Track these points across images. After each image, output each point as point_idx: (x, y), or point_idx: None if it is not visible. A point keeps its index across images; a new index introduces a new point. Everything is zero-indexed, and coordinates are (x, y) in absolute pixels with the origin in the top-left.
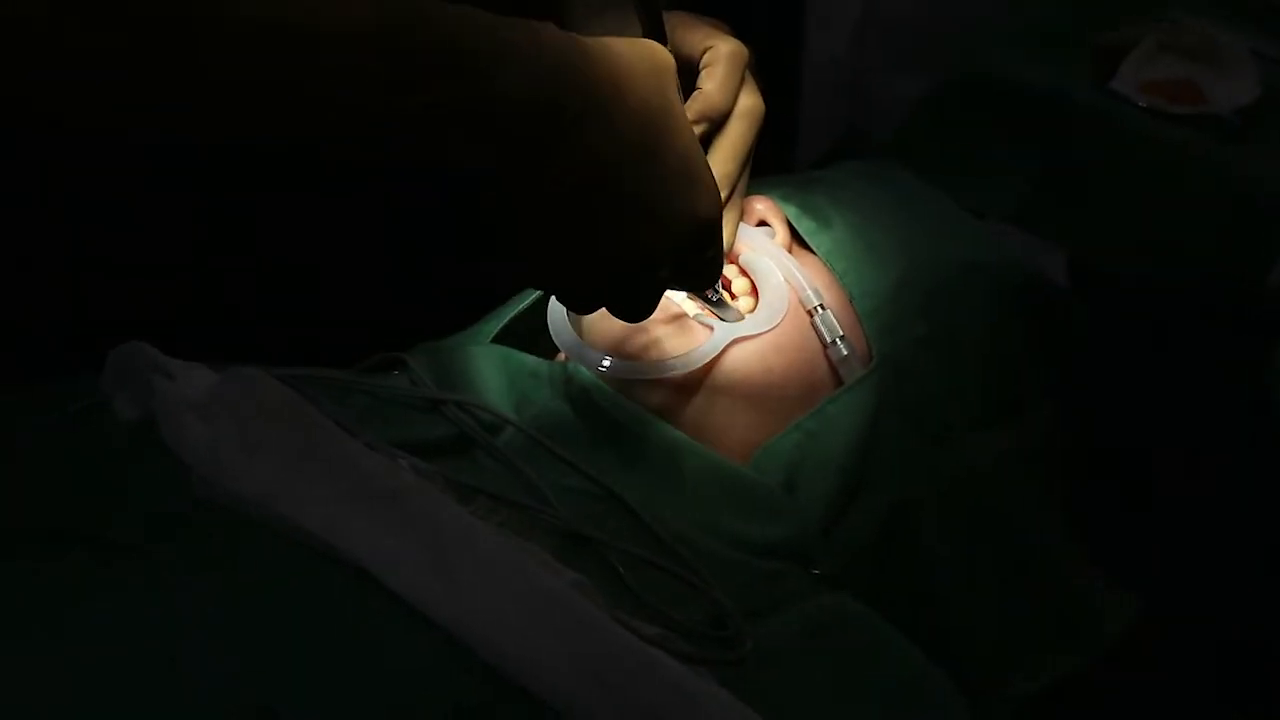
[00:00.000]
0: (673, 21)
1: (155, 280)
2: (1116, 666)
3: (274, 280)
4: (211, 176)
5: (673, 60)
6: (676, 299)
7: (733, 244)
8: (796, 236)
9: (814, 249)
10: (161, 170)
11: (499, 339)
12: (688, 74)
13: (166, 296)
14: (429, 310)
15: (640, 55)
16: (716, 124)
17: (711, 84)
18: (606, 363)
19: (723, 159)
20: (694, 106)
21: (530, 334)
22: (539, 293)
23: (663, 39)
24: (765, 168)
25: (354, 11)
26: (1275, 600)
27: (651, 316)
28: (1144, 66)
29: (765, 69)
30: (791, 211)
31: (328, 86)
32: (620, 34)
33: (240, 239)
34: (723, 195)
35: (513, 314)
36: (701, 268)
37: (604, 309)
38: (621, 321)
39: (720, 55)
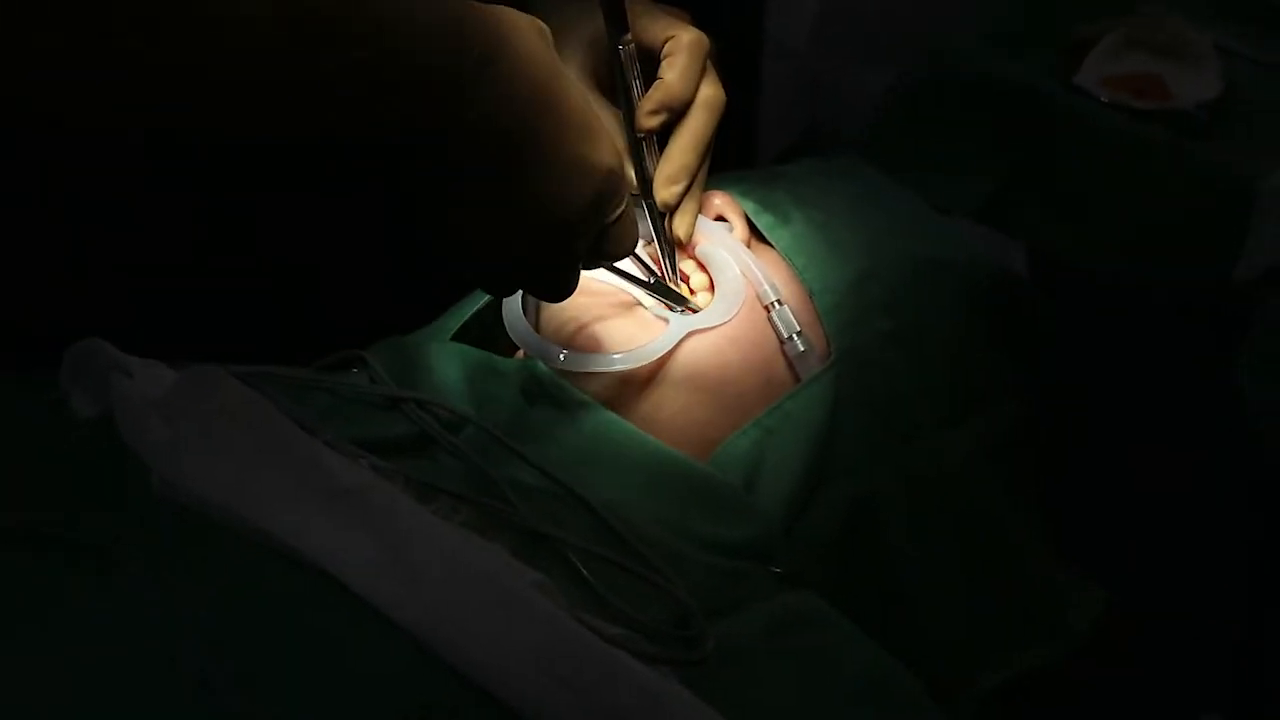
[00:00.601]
0: (635, 10)
1: (148, 279)
2: (1090, 662)
3: (272, 280)
4: (205, 175)
5: (544, 25)
6: (635, 292)
7: (690, 236)
8: (756, 232)
9: (773, 244)
10: (154, 169)
11: (459, 336)
12: (649, 63)
13: (161, 296)
14: (428, 310)
15: (524, 17)
16: (678, 113)
17: (673, 73)
18: (563, 357)
19: (683, 149)
20: (655, 96)
21: (490, 331)
22: None
23: (624, 27)
24: (725, 163)
25: None
26: (1249, 596)
27: (607, 310)
28: (1109, 61)
29: (725, 62)
30: (750, 206)
31: (233, 65)
32: (581, 20)
33: (238, 238)
34: (682, 186)
35: (473, 310)
36: (614, 232)
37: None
38: (576, 313)
39: (682, 45)
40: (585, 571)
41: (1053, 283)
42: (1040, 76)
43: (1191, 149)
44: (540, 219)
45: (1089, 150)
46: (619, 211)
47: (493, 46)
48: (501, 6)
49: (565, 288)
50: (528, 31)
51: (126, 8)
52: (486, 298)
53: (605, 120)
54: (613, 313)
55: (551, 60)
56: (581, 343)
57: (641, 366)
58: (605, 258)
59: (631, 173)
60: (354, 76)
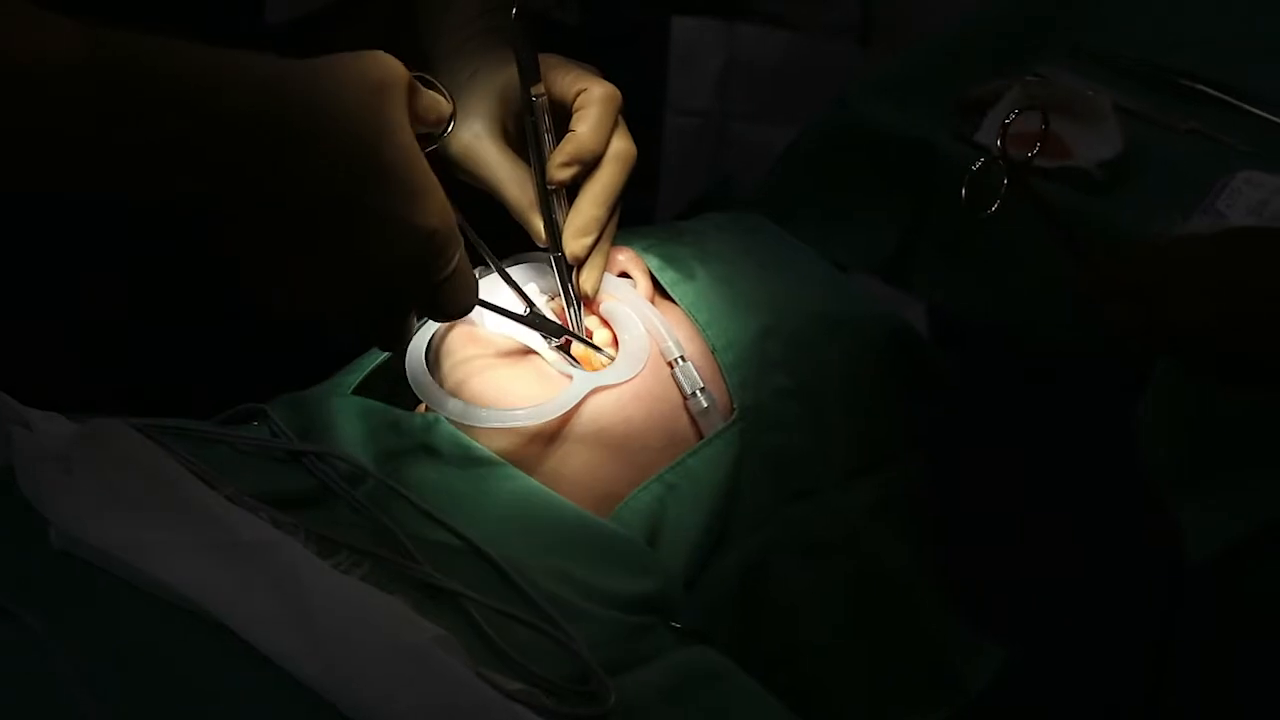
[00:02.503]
0: (547, 63)
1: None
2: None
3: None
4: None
5: (399, 73)
6: (538, 348)
7: (596, 291)
8: (659, 288)
9: (676, 300)
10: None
11: (360, 390)
12: (560, 116)
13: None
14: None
15: (359, 71)
16: (589, 166)
17: (584, 126)
18: (466, 414)
19: (593, 202)
20: (567, 149)
21: (390, 385)
22: None
23: (537, 78)
24: (626, 216)
25: (65, 44)
26: (1149, 658)
27: (511, 365)
28: (1008, 120)
29: (628, 118)
30: (654, 262)
31: (42, 119)
32: (494, 70)
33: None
34: (591, 239)
35: (373, 365)
36: (450, 287)
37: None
38: (480, 371)
39: (594, 98)
40: (486, 626)
41: (952, 340)
42: (939, 134)
43: (1091, 207)
44: (360, 280)
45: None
46: (449, 269)
47: (312, 117)
48: (340, 62)
49: (397, 341)
50: (355, 89)
51: None
52: (387, 353)
53: (511, 171)
54: (513, 366)
55: (377, 120)
56: (483, 397)
57: (546, 422)
58: (441, 315)
59: (540, 225)
60: (157, 144)
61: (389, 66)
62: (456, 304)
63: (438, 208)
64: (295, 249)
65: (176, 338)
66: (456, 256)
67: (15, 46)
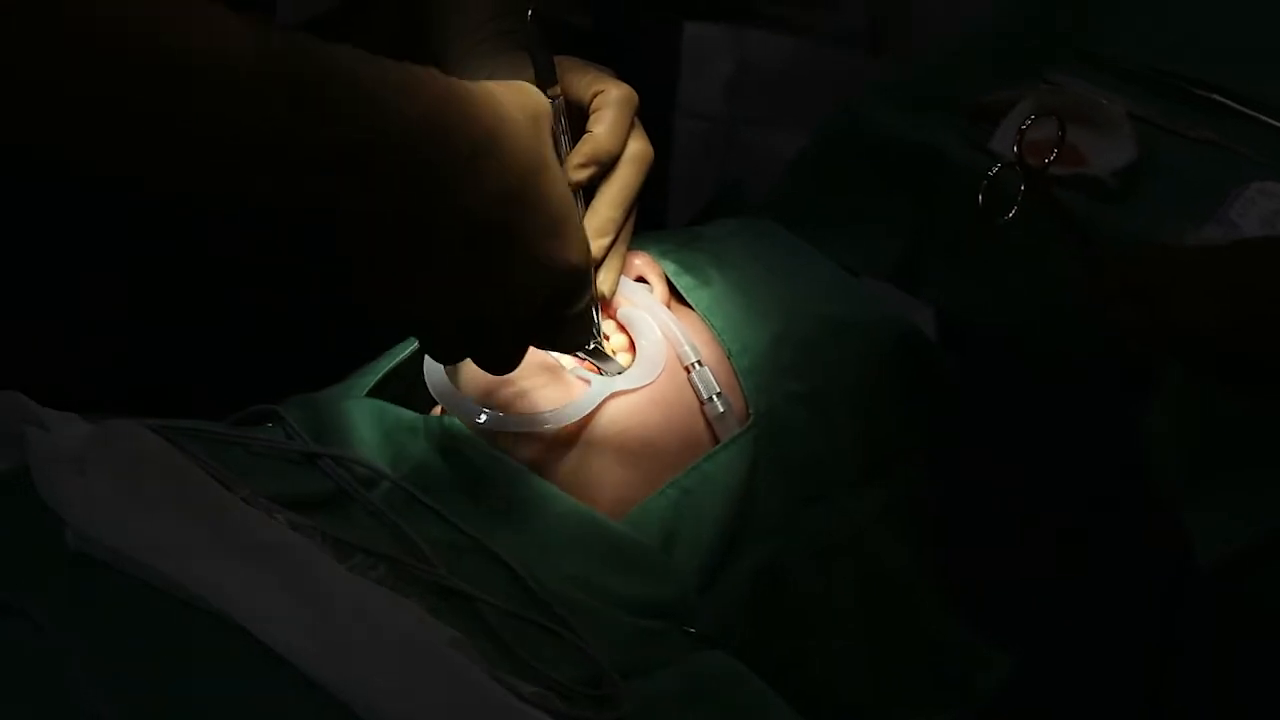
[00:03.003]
0: (563, 65)
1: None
2: None
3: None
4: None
5: (548, 105)
6: (555, 353)
7: (614, 293)
8: (675, 292)
9: (692, 305)
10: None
11: (374, 392)
12: (577, 117)
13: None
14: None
15: (517, 100)
16: (606, 167)
17: (601, 127)
18: (483, 417)
19: (609, 203)
20: (584, 149)
21: (406, 387)
22: (415, 346)
23: (553, 80)
24: (638, 221)
25: (232, 43)
26: (1152, 663)
27: (529, 370)
28: (1024, 125)
29: (639, 121)
30: (670, 268)
31: (201, 122)
32: (510, 73)
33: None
34: (608, 240)
35: (389, 367)
36: (574, 323)
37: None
38: (498, 375)
39: (610, 100)
40: (500, 629)
41: (959, 343)
42: (948, 140)
43: (1105, 215)
44: (495, 303)
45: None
46: (579, 306)
47: (481, 140)
48: (500, 89)
49: (510, 366)
50: (520, 122)
51: (85, 40)
52: (402, 355)
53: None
54: (532, 371)
55: (539, 151)
56: (501, 401)
57: (563, 426)
58: (552, 347)
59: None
60: (332, 153)
61: (540, 97)
62: (575, 341)
63: (582, 245)
64: (438, 264)
65: (176, 338)
66: (587, 295)
67: (194, 44)
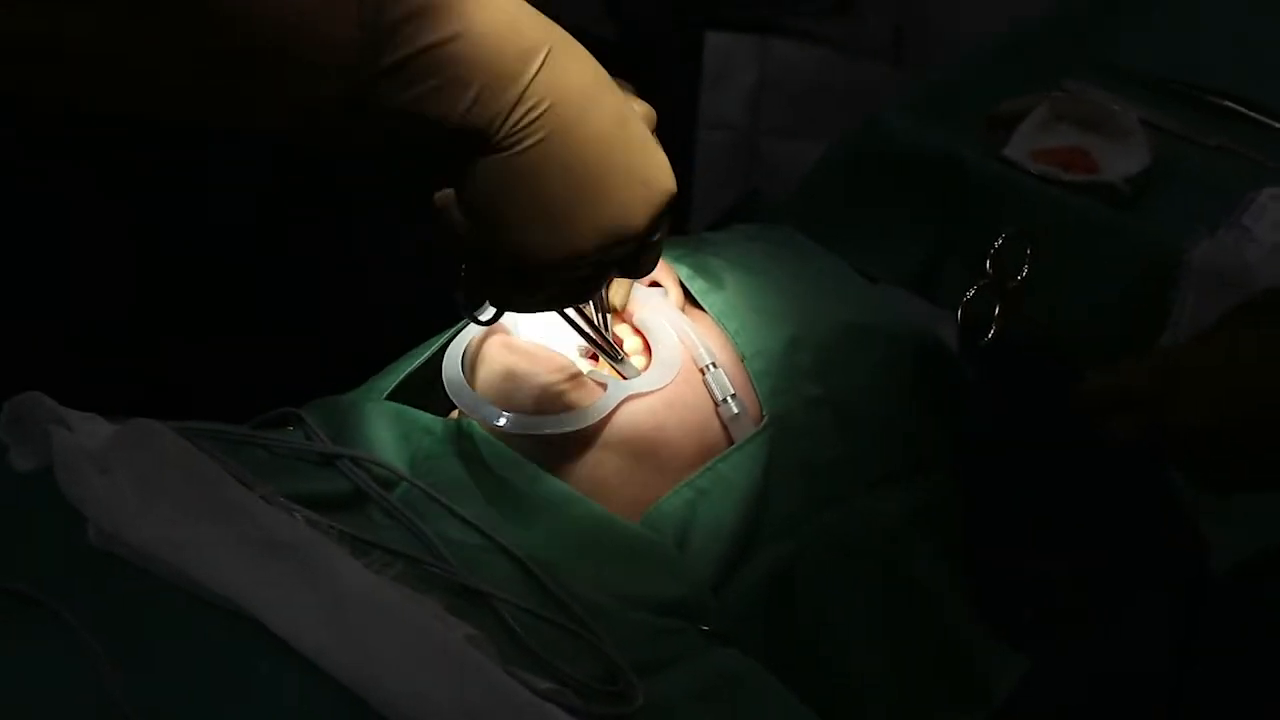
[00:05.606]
0: None
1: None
2: None
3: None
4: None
5: None
6: (571, 355)
7: (625, 302)
8: (689, 297)
9: (706, 309)
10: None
11: (393, 396)
12: None
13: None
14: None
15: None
16: None
17: None
18: (502, 420)
19: None
20: None
21: (424, 391)
22: (433, 349)
23: None
24: None
25: None
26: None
27: (546, 372)
28: (1037, 135)
29: (661, 133)
30: (684, 272)
31: (308, 44)
32: None
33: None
34: None
35: (408, 370)
36: (652, 250)
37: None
38: (515, 378)
39: None
40: (516, 626)
41: (975, 351)
42: (969, 149)
43: (1119, 221)
44: (597, 231)
45: (1018, 222)
46: (663, 232)
47: (557, 44)
48: None
49: (592, 294)
50: (577, 42)
51: None
52: (420, 359)
53: None
54: (548, 374)
55: (603, 69)
56: (518, 404)
57: (579, 429)
58: (636, 274)
59: None
60: (425, 62)
61: None
62: (652, 265)
63: (669, 172)
64: (540, 194)
65: (177, 338)
66: (665, 225)
67: None
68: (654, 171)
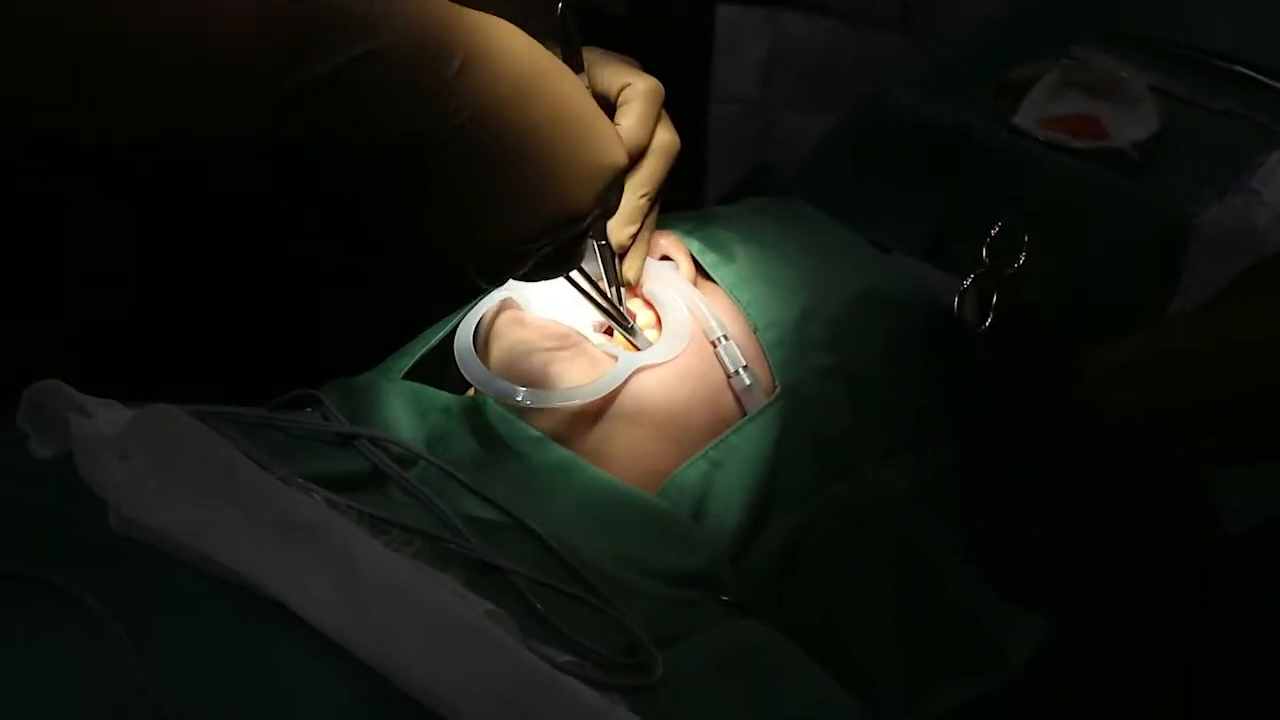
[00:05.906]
0: (590, 57)
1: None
2: (1027, 692)
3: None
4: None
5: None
6: (581, 328)
7: (639, 277)
8: (700, 270)
9: (718, 281)
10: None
11: (410, 375)
12: (604, 109)
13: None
14: (376, 352)
15: (504, 23)
16: (634, 159)
17: (629, 120)
18: (520, 395)
19: (636, 192)
20: None
21: (441, 370)
22: (449, 328)
23: (580, 72)
24: (672, 203)
25: None
26: (1184, 626)
27: (555, 345)
28: (1046, 103)
29: (674, 106)
30: (694, 245)
31: (216, 65)
32: None
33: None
34: (634, 228)
35: (423, 350)
36: (606, 218)
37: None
38: (528, 354)
39: (638, 92)
40: (535, 601)
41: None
42: (977, 119)
43: (1128, 187)
44: (544, 212)
45: (1025, 189)
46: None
47: (475, 48)
48: (482, 12)
49: (570, 265)
50: (511, 32)
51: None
52: (436, 338)
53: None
54: (559, 349)
55: (540, 57)
56: (529, 377)
57: (591, 402)
58: (597, 236)
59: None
60: (338, 80)
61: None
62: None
63: (613, 145)
64: (483, 187)
65: (176, 338)
66: (619, 198)
67: None
68: (597, 150)
